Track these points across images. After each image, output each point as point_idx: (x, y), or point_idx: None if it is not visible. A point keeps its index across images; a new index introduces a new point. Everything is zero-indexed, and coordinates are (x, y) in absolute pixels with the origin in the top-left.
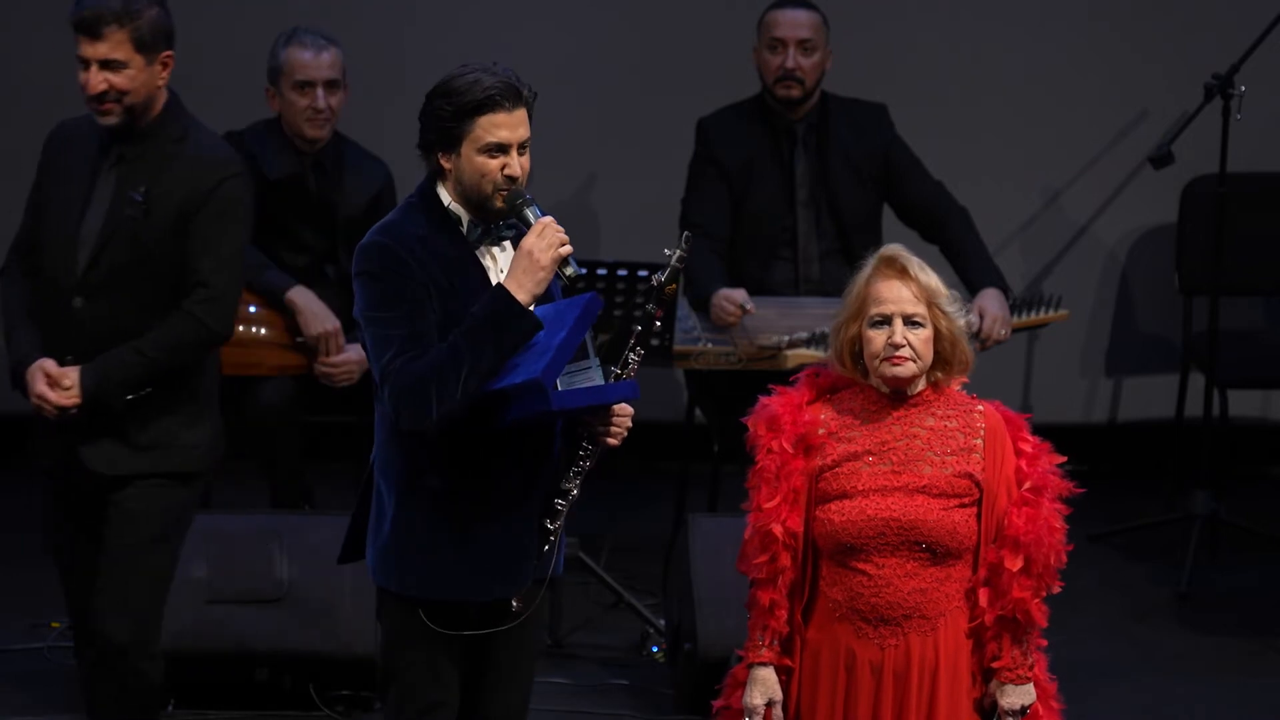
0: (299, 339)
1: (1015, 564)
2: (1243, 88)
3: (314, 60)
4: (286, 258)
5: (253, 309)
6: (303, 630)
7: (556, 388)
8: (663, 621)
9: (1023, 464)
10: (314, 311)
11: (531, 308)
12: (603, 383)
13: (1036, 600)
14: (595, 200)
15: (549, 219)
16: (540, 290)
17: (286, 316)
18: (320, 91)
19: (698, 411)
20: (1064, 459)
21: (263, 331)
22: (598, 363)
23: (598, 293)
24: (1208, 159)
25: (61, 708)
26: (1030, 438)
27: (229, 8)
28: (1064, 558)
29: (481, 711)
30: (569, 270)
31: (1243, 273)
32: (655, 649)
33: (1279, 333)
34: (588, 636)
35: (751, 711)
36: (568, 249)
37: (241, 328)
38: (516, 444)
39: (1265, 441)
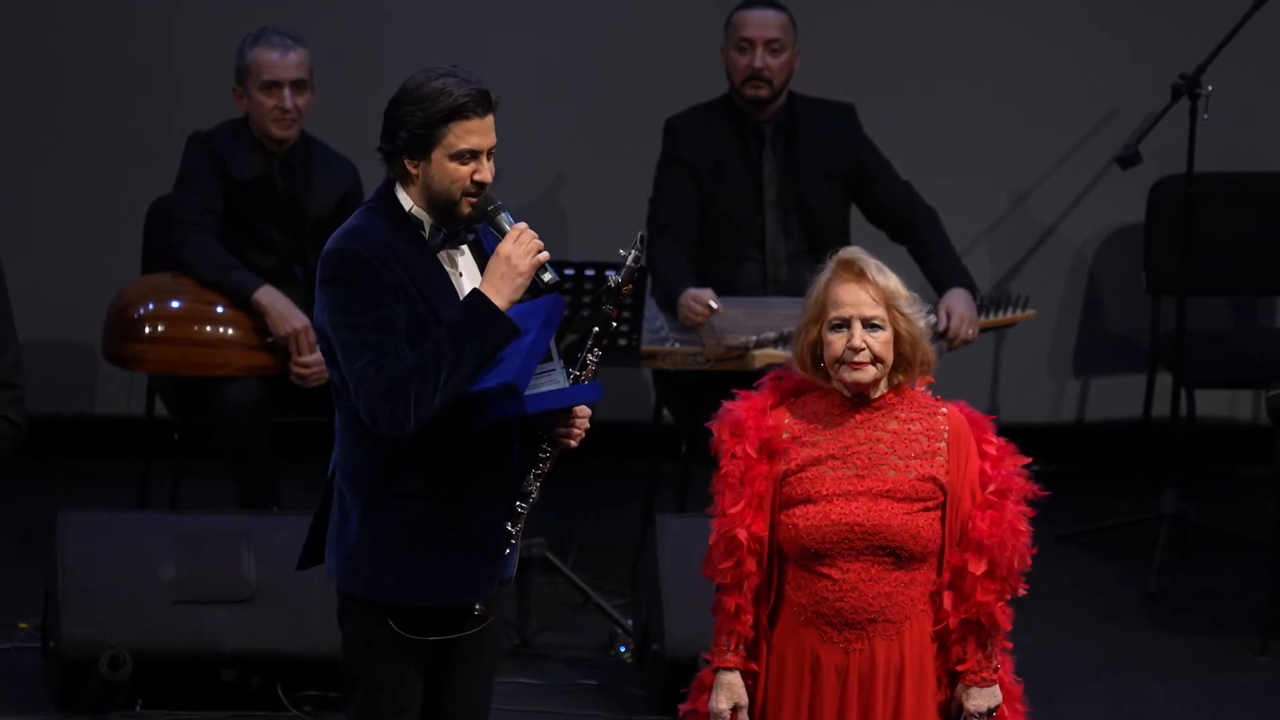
0: (267, 339)
1: (979, 568)
2: (1210, 87)
3: (281, 60)
4: (254, 258)
5: (220, 309)
6: (271, 630)
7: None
8: (631, 621)
9: (987, 466)
10: (281, 311)
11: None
12: (565, 384)
13: (1001, 603)
14: (564, 200)
15: (523, 225)
16: (518, 295)
17: (254, 317)
18: (287, 92)
19: (666, 411)
20: (1029, 460)
21: (230, 332)
22: (561, 364)
23: (561, 294)
24: (1175, 159)
25: (30, 708)
26: (995, 439)
27: (216, 7)
28: (1028, 561)
29: (445, 713)
30: (546, 276)
31: (1210, 273)
32: (623, 649)
33: (1246, 333)
34: (555, 636)
35: (717, 716)
36: (545, 255)
37: (210, 328)
38: (481, 447)
39: (1233, 441)
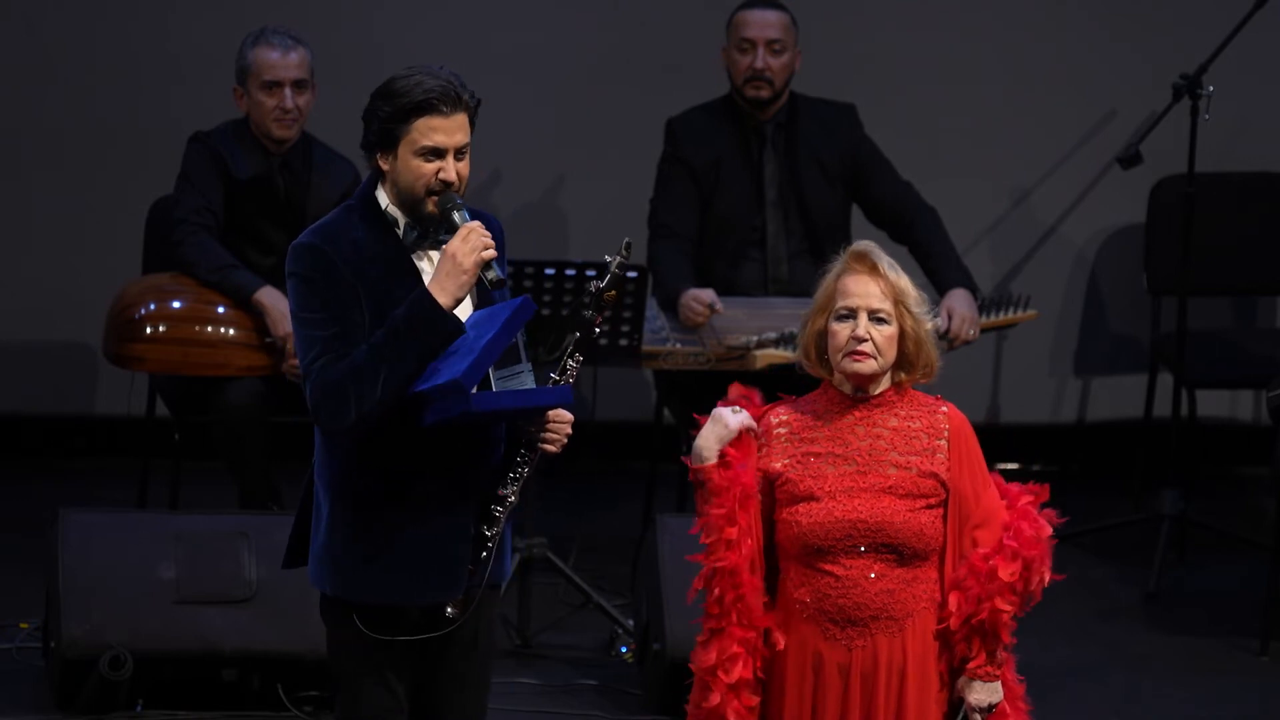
0: (267, 339)
1: (1009, 573)
2: (1210, 88)
3: (281, 60)
4: (254, 258)
5: (220, 309)
6: (271, 630)
7: (490, 388)
8: (631, 621)
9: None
10: (282, 312)
11: (461, 312)
12: (533, 387)
13: (1010, 616)
14: (563, 200)
15: (475, 223)
16: (462, 294)
17: (254, 317)
18: (288, 91)
19: (666, 411)
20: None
21: (231, 332)
22: (530, 367)
23: (530, 296)
24: (1176, 159)
25: (30, 708)
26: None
27: (217, 6)
28: (1047, 579)
29: (437, 716)
30: (491, 274)
31: (1211, 273)
32: (624, 649)
33: (1247, 333)
34: (556, 637)
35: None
36: (491, 253)
37: (210, 328)
38: (447, 448)
39: (1233, 441)
